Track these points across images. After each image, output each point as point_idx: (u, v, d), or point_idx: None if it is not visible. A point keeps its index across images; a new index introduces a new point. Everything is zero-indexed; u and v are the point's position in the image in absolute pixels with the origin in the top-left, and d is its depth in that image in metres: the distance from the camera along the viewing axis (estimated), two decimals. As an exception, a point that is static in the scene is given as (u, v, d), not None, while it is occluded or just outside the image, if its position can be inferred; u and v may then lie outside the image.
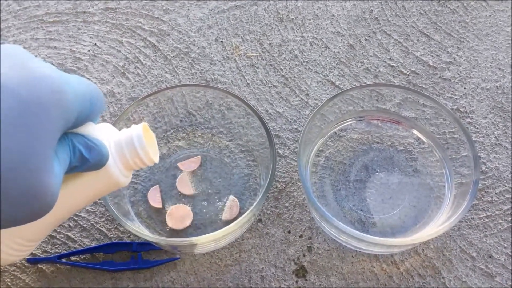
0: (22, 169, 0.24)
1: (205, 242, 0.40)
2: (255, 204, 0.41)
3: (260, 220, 0.47)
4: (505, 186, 0.48)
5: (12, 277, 0.44)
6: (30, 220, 0.27)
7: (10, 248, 0.34)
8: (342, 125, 0.50)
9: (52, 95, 0.26)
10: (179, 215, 0.45)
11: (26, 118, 0.24)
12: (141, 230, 0.41)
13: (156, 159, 0.35)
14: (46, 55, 0.56)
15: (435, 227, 0.43)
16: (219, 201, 0.47)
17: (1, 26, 0.59)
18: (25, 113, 0.24)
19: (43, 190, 0.25)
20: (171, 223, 0.45)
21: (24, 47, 0.57)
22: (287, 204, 0.47)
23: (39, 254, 0.45)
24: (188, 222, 0.45)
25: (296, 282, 0.44)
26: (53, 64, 0.56)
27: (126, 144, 0.33)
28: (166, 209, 0.46)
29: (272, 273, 0.44)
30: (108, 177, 0.33)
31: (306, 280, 0.44)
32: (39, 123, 0.25)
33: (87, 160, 0.30)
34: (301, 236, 0.46)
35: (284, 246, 0.45)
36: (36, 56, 0.55)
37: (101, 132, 0.32)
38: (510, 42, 0.56)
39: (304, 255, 0.45)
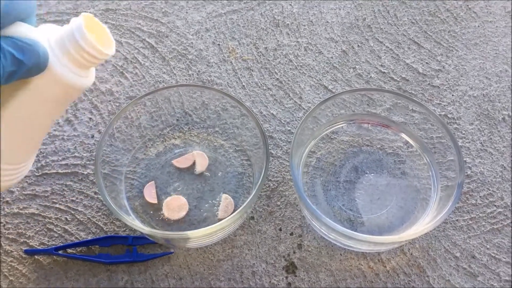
0: None
1: (199, 236, 0.41)
2: (247, 201, 0.42)
3: (252, 218, 0.48)
4: (489, 190, 0.50)
5: (9, 267, 0.45)
6: None
7: None
8: (334, 128, 0.51)
9: None
10: (175, 205, 0.47)
11: None
12: (136, 223, 0.43)
13: (110, 51, 0.33)
14: (46, 53, 0.58)
15: (420, 227, 0.44)
16: (213, 199, 0.48)
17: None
18: None
19: None
20: (167, 213, 0.46)
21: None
22: (279, 203, 0.49)
23: (36, 246, 0.46)
24: (183, 212, 0.46)
25: (286, 278, 0.45)
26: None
27: (68, 39, 0.30)
28: (161, 204, 0.47)
29: (263, 268, 0.46)
30: (57, 79, 0.31)
31: (296, 276, 0.45)
32: None
33: (22, 62, 0.28)
34: (291, 234, 0.47)
35: (275, 243, 0.47)
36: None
37: (37, 32, 0.30)
38: (497, 52, 0.58)
39: (294, 252, 0.46)
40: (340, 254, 0.46)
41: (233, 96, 0.48)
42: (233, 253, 0.46)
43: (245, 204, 0.42)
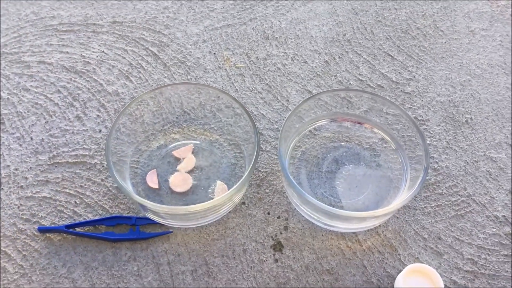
0: None
1: (195, 211, 0.47)
2: (239, 182, 0.48)
3: (243, 203, 0.54)
4: (454, 182, 0.56)
5: (23, 243, 0.50)
6: None
7: None
8: (316, 125, 0.58)
9: None
10: (180, 180, 0.53)
11: None
12: (139, 198, 0.47)
13: None
14: (59, 58, 0.64)
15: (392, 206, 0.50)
16: (209, 186, 0.53)
17: (20, 33, 0.66)
18: None
19: None
20: (177, 188, 0.53)
21: (39, 51, 0.65)
22: (267, 191, 0.55)
23: (48, 225, 0.51)
24: (190, 182, 0.53)
25: (274, 255, 0.51)
26: (65, 66, 0.63)
27: None
28: (162, 190, 0.53)
29: (253, 247, 0.51)
30: None
31: (282, 253, 0.51)
32: None
33: None
34: (278, 217, 0.53)
35: (264, 225, 0.52)
36: (49, 59, 0.62)
37: None
38: (461, 64, 0.66)
39: (281, 233, 0.52)
40: (322, 235, 0.52)
41: (230, 94, 0.54)
42: (226, 233, 0.52)
43: (237, 184, 0.47)
